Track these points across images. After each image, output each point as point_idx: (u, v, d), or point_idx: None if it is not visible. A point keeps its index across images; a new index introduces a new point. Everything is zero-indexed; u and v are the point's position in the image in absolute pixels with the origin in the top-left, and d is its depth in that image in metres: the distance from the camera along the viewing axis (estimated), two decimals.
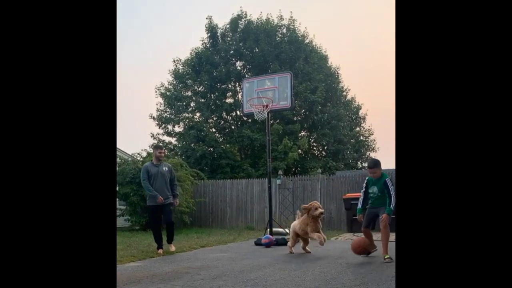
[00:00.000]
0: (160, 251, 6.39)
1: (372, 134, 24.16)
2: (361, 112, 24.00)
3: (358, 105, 23.92)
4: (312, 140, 21.52)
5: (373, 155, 24.01)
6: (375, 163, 5.55)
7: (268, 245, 7.33)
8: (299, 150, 18.90)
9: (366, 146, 23.76)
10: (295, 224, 6.37)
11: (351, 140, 22.64)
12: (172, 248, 6.62)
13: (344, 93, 23.28)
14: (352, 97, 23.81)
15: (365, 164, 23.57)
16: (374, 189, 5.44)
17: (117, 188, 12.27)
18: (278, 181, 13.03)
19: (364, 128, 24.21)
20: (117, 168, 12.64)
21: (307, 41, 20.75)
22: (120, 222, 12.72)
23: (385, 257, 5.13)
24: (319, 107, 19.60)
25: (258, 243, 7.70)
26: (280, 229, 8.59)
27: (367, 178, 5.67)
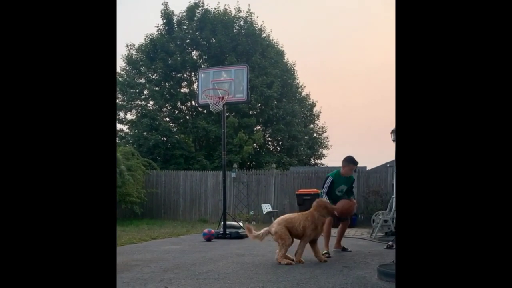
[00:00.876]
0: None
1: (326, 132, 24.73)
2: (315, 110, 24.48)
3: (312, 102, 24.35)
4: (268, 135, 21.67)
5: (326, 152, 24.61)
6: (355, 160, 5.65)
7: (208, 239, 7.12)
8: (254, 144, 18.98)
9: (319, 143, 24.28)
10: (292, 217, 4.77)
11: (305, 137, 23.03)
12: None
13: (300, 89, 23.60)
14: (307, 94, 24.21)
15: (318, 161, 24.13)
16: (343, 188, 5.66)
17: None
18: (233, 174, 13.02)
19: (317, 125, 24.72)
20: None
21: (264, 35, 20.79)
22: None
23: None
24: (275, 102, 19.75)
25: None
26: (234, 223, 8.59)
27: (330, 177, 5.61)
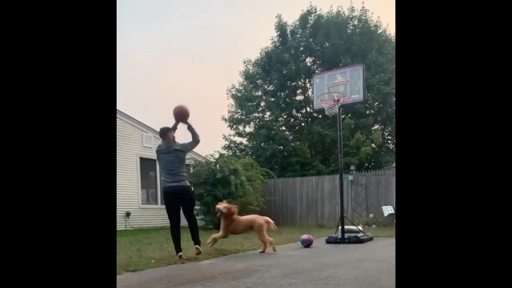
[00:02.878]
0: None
1: None
2: None
3: None
4: (387, 133, 20.63)
5: None
6: None
7: (307, 246, 6.94)
8: (372, 144, 18.24)
9: None
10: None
11: None
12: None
13: None
14: None
15: None
16: None
17: (192, 189, 12.78)
18: (350, 177, 12.69)
19: None
20: (191, 170, 13.16)
21: (380, 31, 19.92)
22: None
23: None
24: (394, 99, 18.73)
25: (330, 241, 7.55)
26: (353, 227, 8.34)
27: None
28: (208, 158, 13.80)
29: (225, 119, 21.07)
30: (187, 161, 13.55)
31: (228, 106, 21.78)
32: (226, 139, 20.96)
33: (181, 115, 5.69)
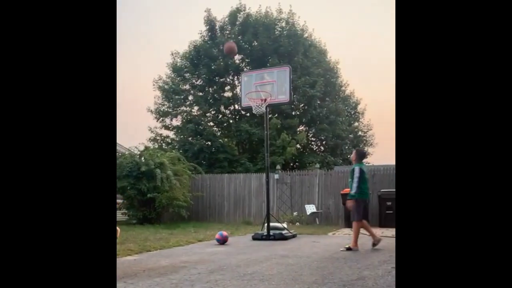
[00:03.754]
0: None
1: (371, 129, 24.15)
2: (360, 107, 23.97)
3: (356, 99, 23.86)
4: (311, 135, 21.46)
5: (371, 150, 24.03)
6: None
7: (220, 242, 6.88)
8: (298, 145, 18.87)
9: (364, 141, 23.74)
10: None
11: (350, 135, 22.60)
12: None
13: (343, 87, 23.20)
14: (351, 92, 23.75)
15: (365, 160, 23.56)
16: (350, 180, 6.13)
17: None
18: (276, 176, 13.01)
19: (362, 123, 24.19)
20: None
21: (306, 35, 20.63)
22: (117, 216, 12.70)
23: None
24: (318, 102, 19.54)
25: (256, 238, 7.69)
26: (278, 224, 8.57)
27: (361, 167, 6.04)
28: (132, 150, 13.29)
29: (151, 111, 20.46)
30: None
31: (155, 97, 21.18)
32: (152, 132, 20.36)
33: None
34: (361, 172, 5.90)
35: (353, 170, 5.99)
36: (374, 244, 5.92)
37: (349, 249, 5.78)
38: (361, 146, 23.38)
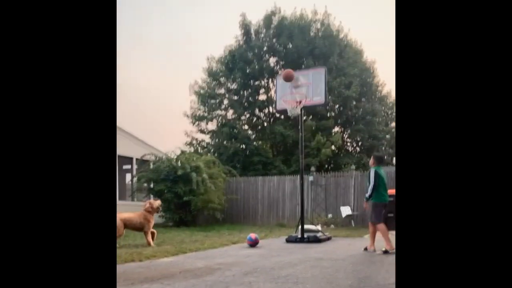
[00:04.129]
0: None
1: None
2: None
3: (394, 100, 23.31)
4: (346, 136, 21.14)
5: None
6: None
7: (252, 245, 6.90)
8: (333, 146, 18.64)
9: None
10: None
11: (386, 136, 22.09)
12: None
13: (380, 88, 22.73)
14: (387, 92, 23.21)
15: None
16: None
17: (152, 185, 12.53)
18: (311, 178, 12.91)
19: None
20: (151, 166, 12.92)
21: (341, 35, 20.37)
22: (155, 218, 12.98)
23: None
24: (354, 102, 19.24)
25: (289, 240, 7.66)
26: (312, 226, 8.51)
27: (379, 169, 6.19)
28: (169, 154, 13.58)
29: (187, 116, 20.83)
30: (146, 157, 13.35)
31: (191, 102, 21.54)
32: (188, 136, 20.73)
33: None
34: (377, 175, 6.01)
35: (369, 174, 6.18)
36: (385, 251, 5.77)
37: (386, 252, 5.72)
38: None
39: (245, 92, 20.36)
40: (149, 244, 6.78)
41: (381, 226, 5.95)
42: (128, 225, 6.81)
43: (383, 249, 5.79)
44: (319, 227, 8.86)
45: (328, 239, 8.00)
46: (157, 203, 6.97)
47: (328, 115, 19.64)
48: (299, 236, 7.63)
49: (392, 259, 5.21)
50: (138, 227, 6.89)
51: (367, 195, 6.14)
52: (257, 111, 20.74)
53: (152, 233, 7.05)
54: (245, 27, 20.16)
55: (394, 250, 5.60)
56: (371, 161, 6.43)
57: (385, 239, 5.83)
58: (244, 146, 18.96)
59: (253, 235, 7.06)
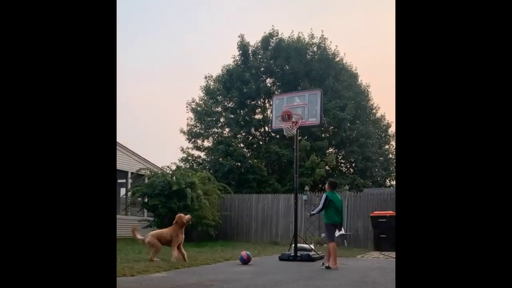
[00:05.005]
0: None
1: None
2: (391, 130, 23.69)
3: (387, 123, 23.65)
4: (340, 157, 21.32)
5: None
6: None
7: (245, 263, 6.83)
8: (327, 167, 18.75)
9: (395, 164, 23.33)
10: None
11: (380, 158, 22.29)
12: None
13: (374, 110, 23.06)
14: (381, 115, 23.58)
15: (394, 182, 23.20)
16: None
17: (146, 200, 12.53)
18: (304, 197, 12.97)
19: (393, 146, 23.82)
20: (146, 180, 12.94)
21: (337, 59, 20.76)
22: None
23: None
24: (348, 124, 19.46)
25: (283, 258, 7.68)
26: (305, 245, 8.54)
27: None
28: (165, 170, 13.63)
29: (184, 132, 20.96)
30: (142, 171, 13.37)
31: (187, 119, 21.71)
32: (184, 152, 20.81)
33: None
34: (326, 199, 6.65)
35: (322, 197, 6.98)
36: (327, 267, 6.34)
37: (328, 267, 6.30)
38: (391, 168, 23.00)
39: (241, 111, 20.58)
40: (182, 256, 6.86)
41: (332, 244, 6.49)
42: (161, 240, 6.95)
43: (327, 264, 6.35)
44: (312, 246, 8.89)
45: (321, 258, 8.00)
46: (187, 217, 7.06)
47: (323, 135, 19.84)
48: (292, 254, 7.65)
49: (384, 279, 5.27)
50: (169, 241, 7.00)
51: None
52: (253, 130, 20.92)
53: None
54: (243, 48, 20.49)
55: (337, 268, 6.23)
56: (326, 186, 7.08)
57: (332, 257, 6.36)
58: (239, 164, 19.03)
59: (244, 255, 6.94)
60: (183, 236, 7.04)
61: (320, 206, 6.76)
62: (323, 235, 12.20)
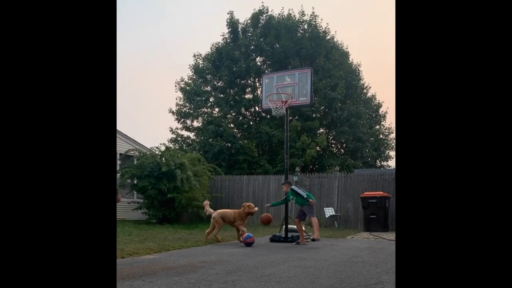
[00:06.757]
0: None
1: (392, 133, 23.78)
2: (381, 110, 23.70)
3: (378, 102, 23.60)
4: (331, 138, 21.32)
5: (392, 153, 23.71)
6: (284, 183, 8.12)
7: (249, 244, 6.94)
8: (317, 147, 18.77)
9: (385, 145, 23.45)
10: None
11: (371, 138, 22.35)
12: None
13: (365, 90, 22.99)
14: (372, 95, 23.51)
15: (384, 163, 23.40)
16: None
17: (135, 182, 12.42)
18: (295, 178, 12.97)
19: (384, 126, 23.90)
20: (135, 162, 12.80)
21: (328, 37, 20.52)
22: (138, 215, 12.87)
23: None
24: (339, 104, 19.41)
25: (273, 240, 7.68)
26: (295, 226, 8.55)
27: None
28: (154, 151, 13.47)
29: (173, 112, 20.70)
30: (130, 153, 13.22)
31: (176, 99, 21.47)
32: (173, 133, 20.59)
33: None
34: (287, 195, 7.87)
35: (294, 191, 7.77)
36: (312, 239, 7.50)
37: (313, 240, 7.41)
38: (381, 149, 23.13)
39: (231, 90, 20.35)
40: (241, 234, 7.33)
41: (314, 219, 7.47)
42: (224, 219, 7.62)
43: (312, 237, 7.43)
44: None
45: (313, 240, 8.05)
46: (255, 209, 7.65)
47: (314, 116, 19.77)
48: (283, 235, 7.66)
49: (373, 260, 5.29)
50: (231, 221, 7.60)
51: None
52: (243, 109, 20.75)
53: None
54: (233, 25, 20.13)
55: (319, 239, 7.33)
56: (285, 188, 7.94)
57: (315, 229, 7.29)
58: (229, 145, 18.94)
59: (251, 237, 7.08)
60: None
61: (283, 198, 8.14)
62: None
